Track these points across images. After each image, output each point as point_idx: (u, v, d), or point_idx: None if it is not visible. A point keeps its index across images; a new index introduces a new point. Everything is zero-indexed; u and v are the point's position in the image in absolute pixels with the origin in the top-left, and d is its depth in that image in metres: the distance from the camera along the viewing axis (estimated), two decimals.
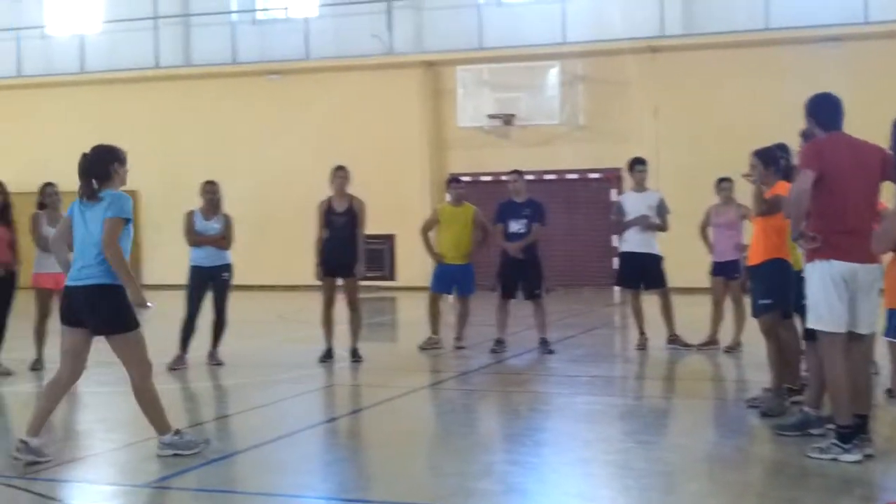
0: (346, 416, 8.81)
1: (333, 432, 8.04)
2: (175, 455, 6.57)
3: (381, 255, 22.60)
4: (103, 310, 6.50)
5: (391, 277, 22.56)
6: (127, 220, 6.51)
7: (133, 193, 27.51)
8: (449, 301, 12.95)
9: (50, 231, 9.80)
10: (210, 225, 10.93)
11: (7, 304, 10.38)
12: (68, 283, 6.64)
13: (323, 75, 23.14)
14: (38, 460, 6.42)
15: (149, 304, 6.62)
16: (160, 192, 23.45)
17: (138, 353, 6.64)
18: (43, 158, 21.13)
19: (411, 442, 7.63)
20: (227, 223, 11.01)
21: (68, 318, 6.64)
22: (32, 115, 24.52)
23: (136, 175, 26.71)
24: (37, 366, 10.56)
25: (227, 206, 11.17)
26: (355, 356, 11.08)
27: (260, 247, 21.81)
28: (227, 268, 10.99)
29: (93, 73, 24.65)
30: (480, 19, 22.41)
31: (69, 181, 7.18)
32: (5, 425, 8.47)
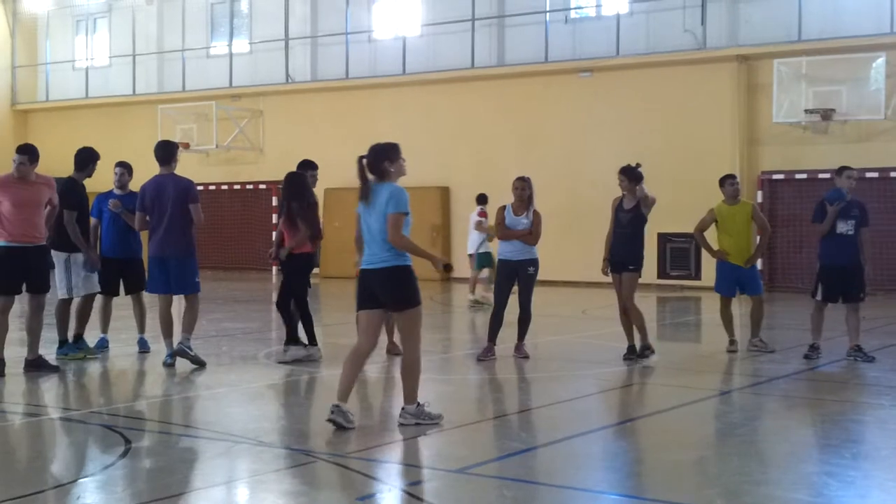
0: (649, 415, 8.73)
1: (636, 431, 8.01)
2: (416, 424, 7.36)
3: (687, 254, 22.22)
4: (397, 288, 7.29)
5: (696, 276, 22.12)
6: (406, 213, 7.24)
7: (445, 190, 28.44)
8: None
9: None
10: (519, 220, 11.17)
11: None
12: (363, 266, 7.41)
13: (634, 72, 23.03)
14: (346, 425, 7.22)
15: (445, 263, 7.47)
16: (473, 187, 24.20)
17: (417, 327, 7.45)
18: None
19: (718, 445, 7.48)
20: (536, 219, 11.21)
21: (363, 302, 7.42)
22: (358, 115, 26.01)
23: (450, 171, 27.71)
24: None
25: (537, 202, 11.37)
26: (642, 353, 10.91)
27: (567, 242, 22.05)
28: (533, 262, 11.19)
29: (413, 75, 25.82)
30: (800, 10, 21.49)
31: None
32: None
